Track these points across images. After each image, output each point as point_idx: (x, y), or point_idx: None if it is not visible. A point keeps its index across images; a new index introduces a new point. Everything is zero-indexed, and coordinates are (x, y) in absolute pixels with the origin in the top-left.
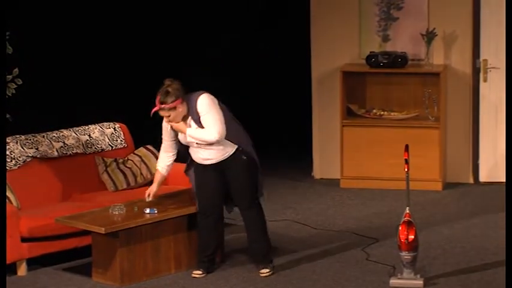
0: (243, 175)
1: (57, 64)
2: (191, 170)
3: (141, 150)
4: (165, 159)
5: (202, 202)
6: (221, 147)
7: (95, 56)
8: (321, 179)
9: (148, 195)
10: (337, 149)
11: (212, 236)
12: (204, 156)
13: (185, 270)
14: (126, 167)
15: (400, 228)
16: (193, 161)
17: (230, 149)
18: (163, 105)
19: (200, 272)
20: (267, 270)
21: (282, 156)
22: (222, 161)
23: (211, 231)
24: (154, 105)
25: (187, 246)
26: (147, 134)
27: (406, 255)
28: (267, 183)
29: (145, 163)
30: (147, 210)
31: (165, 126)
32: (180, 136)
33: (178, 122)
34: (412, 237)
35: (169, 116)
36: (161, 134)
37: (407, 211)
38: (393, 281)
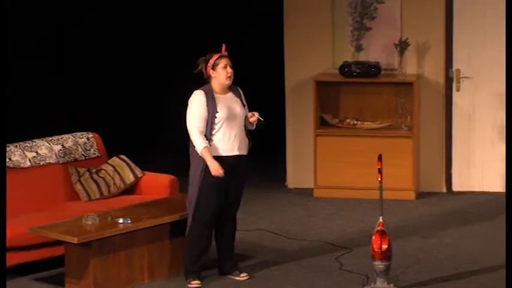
0: (245, 183)
1: (30, 73)
2: (201, 174)
3: (115, 160)
4: (205, 139)
5: (208, 212)
6: (247, 140)
7: (68, 66)
8: (295, 188)
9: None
10: (310, 159)
11: (209, 246)
12: (238, 145)
13: (159, 280)
14: (100, 176)
15: (373, 237)
16: (208, 168)
17: (247, 148)
18: (223, 47)
19: (199, 282)
20: (245, 273)
21: (256, 165)
22: (242, 156)
23: (209, 242)
24: (218, 55)
25: (160, 256)
26: (120, 143)
27: (379, 264)
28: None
29: (118, 173)
30: (121, 220)
31: (204, 112)
32: (229, 109)
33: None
34: (386, 246)
35: (230, 66)
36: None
37: (381, 220)
38: None
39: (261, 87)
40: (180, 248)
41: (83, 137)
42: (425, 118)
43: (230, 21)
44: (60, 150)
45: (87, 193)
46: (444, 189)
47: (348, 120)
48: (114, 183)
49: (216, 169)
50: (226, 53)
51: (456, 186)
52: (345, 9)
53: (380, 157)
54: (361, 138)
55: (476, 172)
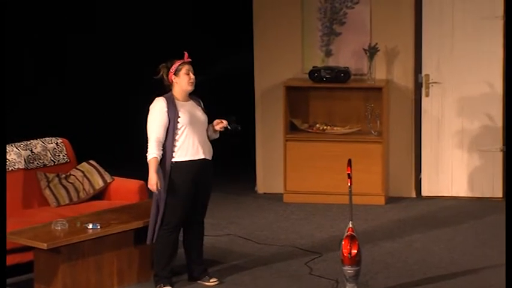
0: (211, 187)
1: None
2: (165, 180)
3: (84, 166)
4: (159, 149)
5: (176, 216)
6: (210, 145)
7: (37, 71)
8: (264, 193)
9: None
10: (280, 164)
11: (176, 251)
12: (203, 149)
13: (128, 285)
14: (69, 182)
15: (343, 242)
16: (178, 168)
17: (211, 152)
18: (186, 54)
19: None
20: (215, 278)
21: (225, 171)
22: (207, 161)
23: (176, 247)
24: (185, 61)
25: (130, 261)
26: (89, 148)
27: (349, 269)
28: (210, 198)
29: (88, 178)
30: (90, 226)
31: (164, 119)
32: (191, 116)
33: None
34: (355, 251)
35: (192, 72)
36: (151, 127)
37: (350, 225)
38: None
39: (231, 92)
40: (149, 254)
41: (52, 143)
42: (394, 123)
43: (197, 28)
44: (29, 155)
45: (56, 199)
46: (413, 194)
47: (317, 125)
48: (84, 189)
49: (153, 183)
50: (189, 60)
51: (425, 191)
52: (315, 14)
53: (349, 162)
54: (330, 143)
55: (445, 177)
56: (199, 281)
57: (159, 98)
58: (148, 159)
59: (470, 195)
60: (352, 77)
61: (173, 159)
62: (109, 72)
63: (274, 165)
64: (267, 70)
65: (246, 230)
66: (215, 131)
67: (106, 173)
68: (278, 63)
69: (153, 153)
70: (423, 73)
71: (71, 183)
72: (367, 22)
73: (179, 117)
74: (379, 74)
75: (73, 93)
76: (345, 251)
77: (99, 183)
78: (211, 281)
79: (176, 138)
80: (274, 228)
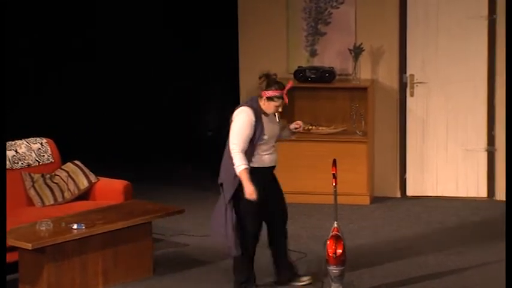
0: (280, 186)
1: None
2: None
3: (69, 166)
4: (246, 159)
5: (252, 223)
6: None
7: (21, 70)
8: None
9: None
10: None
11: (254, 255)
12: (272, 158)
13: (113, 285)
14: (53, 182)
15: (328, 242)
16: (252, 174)
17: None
18: (285, 88)
19: None
20: (308, 276)
21: (210, 169)
22: (274, 167)
23: (254, 251)
24: (279, 94)
25: (115, 261)
26: (74, 149)
27: (334, 269)
28: (191, 197)
29: (72, 178)
30: (75, 226)
31: (251, 132)
32: (272, 130)
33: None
34: (340, 251)
35: (281, 108)
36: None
37: (336, 225)
38: None
39: (216, 92)
40: (134, 254)
41: (36, 143)
42: (379, 123)
43: (185, 28)
44: (14, 155)
45: (41, 199)
46: (398, 194)
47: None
48: (68, 189)
49: (251, 192)
50: (286, 95)
51: (410, 191)
52: (299, 14)
53: (334, 162)
54: (315, 143)
55: (430, 177)
56: (292, 283)
57: (247, 109)
58: (238, 172)
59: (455, 195)
60: (337, 77)
61: (256, 157)
62: (96, 71)
63: None
64: (252, 70)
65: None
66: (293, 133)
67: (91, 173)
68: (263, 63)
69: (242, 164)
70: (408, 73)
71: (55, 183)
72: (352, 22)
73: (264, 134)
74: (364, 74)
75: (59, 93)
76: (330, 251)
77: (84, 183)
78: (302, 280)
79: (256, 148)
80: None
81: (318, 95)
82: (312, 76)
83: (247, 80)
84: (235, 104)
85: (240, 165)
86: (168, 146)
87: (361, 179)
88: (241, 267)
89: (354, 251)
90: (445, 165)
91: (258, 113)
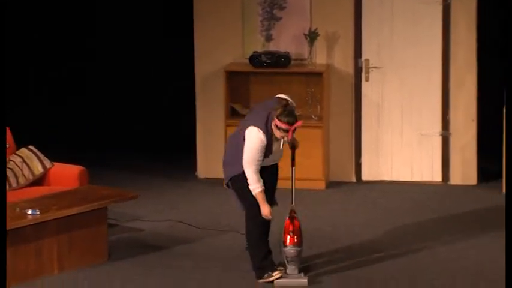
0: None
1: None
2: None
3: (23, 151)
4: (260, 178)
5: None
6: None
7: None
8: (205, 178)
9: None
10: (221, 149)
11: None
12: (272, 158)
13: (68, 271)
14: (8, 167)
15: (284, 224)
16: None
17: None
18: (294, 126)
19: (280, 269)
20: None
21: (166, 156)
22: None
23: (268, 234)
24: (285, 129)
25: (70, 247)
26: (29, 134)
27: (290, 249)
28: (151, 184)
29: (27, 164)
30: (29, 211)
31: (262, 153)
32: (277, 148)
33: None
34: (297, 231)
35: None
36: (254, 157)
37: (292, 209)
38: (278, 280)
39: (172, 78)
40: (89, 239)
41: None
42: (334, 108)
43: (137, 12)
44: None
45: None
46: (354, 179)
47: None
48: (23, 174)
49: (267, 213)
50: (291, 132)
51: (365, 176)
52: None
53: (291, 146)
54: None
55: (385, 161)
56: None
57: (261, 133)
58: (254, 193)
59: (409, 179)
60: (293, 61)
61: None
62: (52, 55)
63: (215, 150)
64: (207, 55)
65: (187, 215)
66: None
67: (45, 158)
68: (218, 48)
69: (258, 186)
70: (363, 58)
71: (10, 168)
72: (307, 7)
73: (270, 153)
74: (320, 58)
75: (14, 78)
76: (287, 230)
77: (38, 169)
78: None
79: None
80: (215, 213)
81: (273, 80)
82: (268, 61)
83: (203, 67)
84: (192, 90)
85: (256, 187)
86: (127, 133)
87: (316, 164)
88: (258, 245)
89: (310, 236)
90: (400, 149)
91: (269, 134)
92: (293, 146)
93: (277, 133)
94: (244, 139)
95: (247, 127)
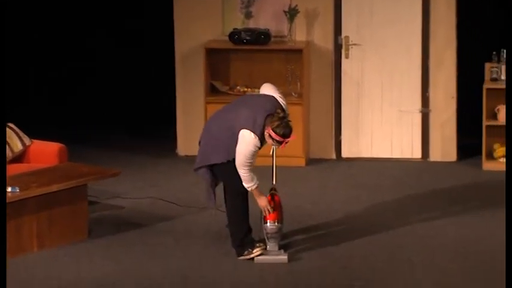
0: None
1: None
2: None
3: None
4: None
5: (241, 184)
6: None
7: None
8: (185, 156)
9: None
10: (201, 126)
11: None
12: None
13: (48, 248)
14: None
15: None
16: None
17: None
18: (288, 139)
19: (260, 245)
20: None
21: (146, 133)
22: None
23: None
24: (279, 140)
25: (50, 225)
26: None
27: (271, 226)
28: (131, 161)
29: (6, 141)
30: (9, 189)
31: (255, 155)
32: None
33: None
34: (277, 207)
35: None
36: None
37: (273, 186)
38: (258, 257)
39: (151, 55)
40: (69, 217)
41: None
42: (314, 85)
43: None
44: None
45: None
46: (334, 156)
47: (238, 87)
48: None
49: (265, 205)
50: (285, 144)
51: (345, 153)
52: None
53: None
54: None
55: (365, 138)
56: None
57: (254, 137)
58: (250, 189)
59: (389, 156)
60: (273, 39)
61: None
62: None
63: (195, 127)
64: (187, 33)
65: (167, 193)
66: None
67: (25, 135)
68: (198, 25)
69: (253, 184)
70: (343, 35)
71: None
72: None
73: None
74: (300, 35)
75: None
76: (269, 205)
77: (18, 146)
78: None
79: None
80: (195, 191)
81: (253, 57)
82: (247, 38)
83: (183, 45)
84: (171, 67)
85: (252, 185)
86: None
87: (296, 141)
88: (240, 223)
89: (290, 213)
90: (380, 126)
91: (262, 137)
92: None
93: (270, 141)
94: (233, 130)
95: (240, 126)
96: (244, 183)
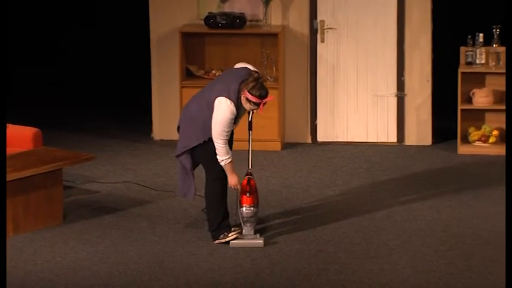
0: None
1: None
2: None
3: None
4: (229, 149)
5: (220, 168)
6: None
7: None
8: (161, 140)
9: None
10: (176, 110)
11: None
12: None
13: (23, 233)
14: None
15: (241, 184)
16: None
17: None
18: (265, 100)
19: (235, 229)
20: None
21: (121, 117)
22: None
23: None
24: (256, 102)
25: (25, 209)
26: None
27: (247, 209)
28: (106, 145)
29: None
30: None
31: (232, 123)
32: (242, 113)
33: None
34: (253, 191)
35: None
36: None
37: (249, 170)
38: (234, 241)
39: (126, 39)
40: (44, 201)
41: None
42: (290, 69)
43: None
44: None
45: None
46: (309, 140)
47: (213, 71)
48: None
49: (235, 183)
50: (262, 106)
51: (321, 137)
52: None
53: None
54: None
55: (340, 123)
56: None
57: (231, 104)
58: (223, 164)
59: (365, 140)
60: (248, 23)
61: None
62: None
63: (171, 111)
64: (162, 16)
65: (142, 177)
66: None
67: None
68: (173, 9)
69: (227, 158)
70: (318, 19)
71: None
72: None
73: (237, 122)
74: (275, 19)
75: None
76: (244, 191)
77: (230, 159)
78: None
79: None
80: (170, 175)
81: (228, 41)
82: (223, 22)
83: (158, 28)
84: (146, 51)
85: (226, 158)
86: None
87: (272, 125)
88: (218, 207)
89: (266, 197)
90: (355, 110)
91: (238, 104)
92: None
93: (247, 106)
94: (208, 107)
95: (215, 97)
96: (218, 156)
